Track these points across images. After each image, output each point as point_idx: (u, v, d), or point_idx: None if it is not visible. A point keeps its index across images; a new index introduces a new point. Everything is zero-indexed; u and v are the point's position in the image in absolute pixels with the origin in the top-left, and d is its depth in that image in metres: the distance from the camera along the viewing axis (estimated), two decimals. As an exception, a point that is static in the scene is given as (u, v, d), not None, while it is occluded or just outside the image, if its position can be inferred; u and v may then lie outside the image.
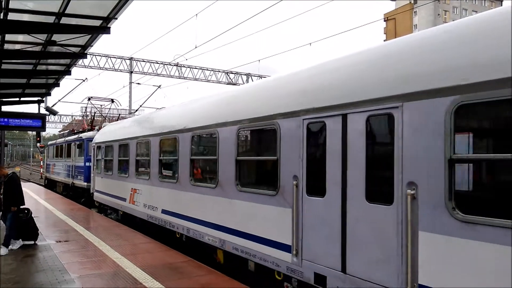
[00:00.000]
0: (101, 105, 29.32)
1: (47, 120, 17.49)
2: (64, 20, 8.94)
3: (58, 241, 10.17)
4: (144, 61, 37.54)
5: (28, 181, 41.92)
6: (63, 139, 27.96)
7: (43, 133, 42.61)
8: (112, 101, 28.29)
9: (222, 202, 7.92)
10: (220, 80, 40.48)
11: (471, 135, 4.18)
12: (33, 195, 22.66)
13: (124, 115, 31.98)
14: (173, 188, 10.00)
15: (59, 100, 28.21)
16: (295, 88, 6.44)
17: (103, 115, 28.43)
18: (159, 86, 27.43)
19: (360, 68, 5.35)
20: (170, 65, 37.94)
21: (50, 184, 31.70)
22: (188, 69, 38.96)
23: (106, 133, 16.19)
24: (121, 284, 6.74)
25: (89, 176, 19.41)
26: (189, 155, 9.20)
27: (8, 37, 9.93)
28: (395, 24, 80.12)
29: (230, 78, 40.66)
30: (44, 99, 19.53)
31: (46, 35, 9.80)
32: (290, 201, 6.16)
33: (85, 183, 20.54)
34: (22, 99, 18.12)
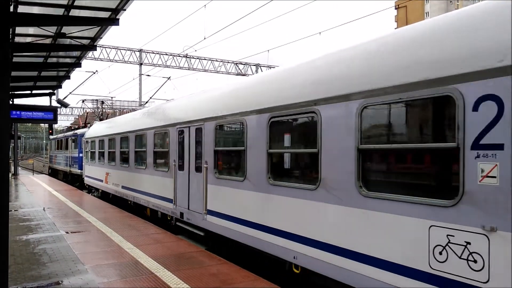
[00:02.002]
0: (94, 102, 34.87)
1: (58, 112, 17.67)
2: (73, 12, 8.97)
3: (71, 231, 10.32)
4: (153, 52, 37.57)
5: (41, 173, 42.55)
6: (62, 134, 34.02)
7: (55, 126, 43.19)
8: (103, 102, 34.25)
9: (148, 177, 12.62)
10: (230, 71, 40.37)
11: (220, 139, 8.68)
12: (47, 187, 22.99)
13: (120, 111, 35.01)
14: (128, 170, 14.68)
15: (70, 93, 28.49)
16: (176, 111, 11.11)
17: (96, 114, 33.32)
18: (169, 78, 27.48)
19: (195, 104, 10.08)
20: (180, 56, 37.92)
21: (53, 173, 36.82)
22: (198, 60, 38.91)
23: (92, 131, 20.85)
24: (133, 273, 6.82)
25: (82, 164, 24.02)
26: (134, 148, 13.94)
27: (18, 30, 9.99)
28: (406, 12, 78.89)
29: (239, 68, 40.52)
30: (55, 91, 19.70)
31: (55, 27, 9.84)
32: (173, 174, 10.72)
33: (79, 171, 25.53)
34: (33, 92, 18.30)
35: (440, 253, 4.21)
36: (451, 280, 4.10)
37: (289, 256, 6.34)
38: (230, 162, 8.57)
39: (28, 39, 10.98)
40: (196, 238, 9.78)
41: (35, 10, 8.88)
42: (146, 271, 6.95)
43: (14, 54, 11.29)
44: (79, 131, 27.61)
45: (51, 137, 38.42)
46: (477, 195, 3.91)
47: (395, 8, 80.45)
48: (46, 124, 50.28)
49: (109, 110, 43.31)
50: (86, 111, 40.99)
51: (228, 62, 40.47)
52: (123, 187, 15.13)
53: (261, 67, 41.14)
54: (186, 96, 11.66)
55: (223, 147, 8.67)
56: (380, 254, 4.82)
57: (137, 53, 37.02)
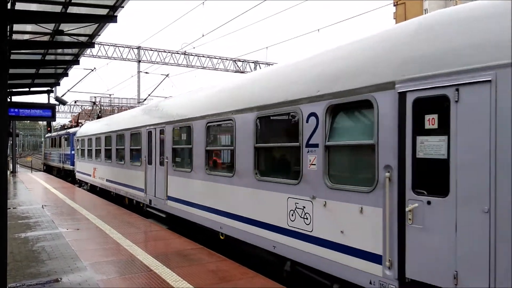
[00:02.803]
0: (86, 103, 37.76)
1: (57, 110, 17.68)
2: (71, 10, 8.93)
3: (70, 229, 10.32)
4: (152, 50, 37.43)
5: (40, 170, 42.48)
6: (56, 133, 36.39)
7: (53, 123, 43.14)
8: (94, 103, 36.75)
9: (126, 171, 14.83)
10: (228, 68, 40.28)
11: (176, 139, 10.86)
12: (45, 184, 22.96)
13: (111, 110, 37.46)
14: (111, 166, 16.79)
15: (68, 90, 28.39)
16: (147, 115, 13.29)
17: (88, 113, 36.57)
18: (167, 75, 27.41)
19: (160, 109, 12.31)
20: (178, 53, 37.78)
21: (48, 169, 39.11)
22: (196, 57, 38.77)
23: (83, 130, 23.15)
24: (132, 271, 6.83)
25: (74, 161, 26.15)
26: (115, 146, 16.07)
27: (16, 27, 9.95)
28: (405, 9, 78.77)
29: (237, 66, 40.44)
30: (53, 89, 19.63)
31: (53, 24, 9.80)
32: (144, 168, 12.91)
33: (71, 167, 27.72)
34: (31, 89, 18.23)
35: (292, 215, 6.39)
36: (296, 232, 6.28)
37: (217, 227, 8.57)
38: (183, 157, 10.69)
39: (26, 36, 10.93)
40: (162, 220, 12.01)
41: (33, 7, 8.83)
42: (145, 268, 6.96)
43: (11, 51, 11.23)
44: (71, 130, 30.20)
45: (46, 135, 40.01)
46: (307, 176, 6.06)
47: (394, 5, 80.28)
48: (44, 122, 50.16)
49: (107, 108, 43.28)
50: (83, 108, 41.17)
51: (227, 60, 40.35)
52: (107, 180, 17.52)
53: (260, 64, 41.05)
54: (155, 102, 14.29)
55: (178, 145, 10.78)
56: (267, 219, 6.98)
57: (136, 50, 36.89)
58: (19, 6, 8.61)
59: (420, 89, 4.54)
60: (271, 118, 7.06)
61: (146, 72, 35.99)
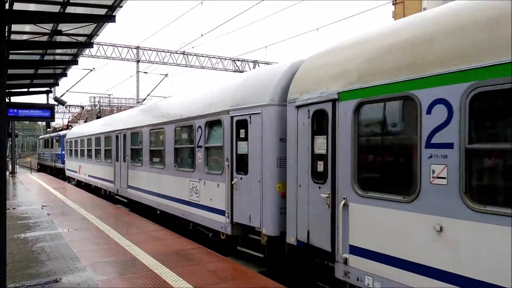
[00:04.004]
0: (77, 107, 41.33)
1: (56, 110, 17.69)
2: (69, 9, 8.91)
3: (69, 229, 10.31)
4: (151, 50, 37.38)
5: (39, 171, 42.41)
6: (48, 135, 40.23)
7: (53, 123, 43.15)
8: (82, 108, 41.36)
9: (101, 167, 18.29)
10: (227, 68, 40.24)
11: (133, 141, 14.51)
12: (44, 185, 22.94)
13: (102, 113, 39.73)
14: (91, 163, 20.32)
15: (67, 90, 28.37)
16: (116, 122, 16.36)
17: (77, 117, 40.55)
18: (166, 75, 27.36)
19: (124, 118, 15.93)
20: (177, 53, 37.74)
21: (42, 168, 42.93)
22: (195, 57, 38.72)
23: (71, 133, 26.48)
24: (132, 271, 6.82)
25: (64, 160, 29.29)
26: (94, 147, 19.56)
27: (14, 27, 9.93)
28: (403, 7, 78.69)
29: (237, 65, 40.40)
30: (52, 89, 19.62)
31: (52, 24, 9.78)
32: (113, 164, 16.24)
33: (62, 165, 30.91)
34: (30, 89, 18.20)
35: (191, 191, 9.76)
36: (193, 203, 9.69)
37: (155, 205, 12.12)
38: (137, 155, 13.91)
39: (25, 37, 10.92)
40: (126, 205, 15.40)
41: (31, 7, 8.81)
42: (144, 268, 6.95)
43: (10, 52, 11.22)
44: (61, 133, 33.82)
45: (40, 137, 42.14)
46: (198, 166, 9.45)
47: (393, 4, 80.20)
48: (43, 122, 50.14)
49: (106, 108, 43.29)
50: (84, 108, 41.25)
51: (226, 59, 40.31)
52: (89, 175, 20.92)
53: (259, 64, 40.99)
54: (122, 112, 17.75)
55: (134, 146, 14.15)
56: (180, 196, 10.38)
57: (134, 50, 36.84)
58: (17, 6, 8.59)
59: (237, 115, 7.94)
60: (182, 128, 10.52)
61: (145, 72, 35.94)
